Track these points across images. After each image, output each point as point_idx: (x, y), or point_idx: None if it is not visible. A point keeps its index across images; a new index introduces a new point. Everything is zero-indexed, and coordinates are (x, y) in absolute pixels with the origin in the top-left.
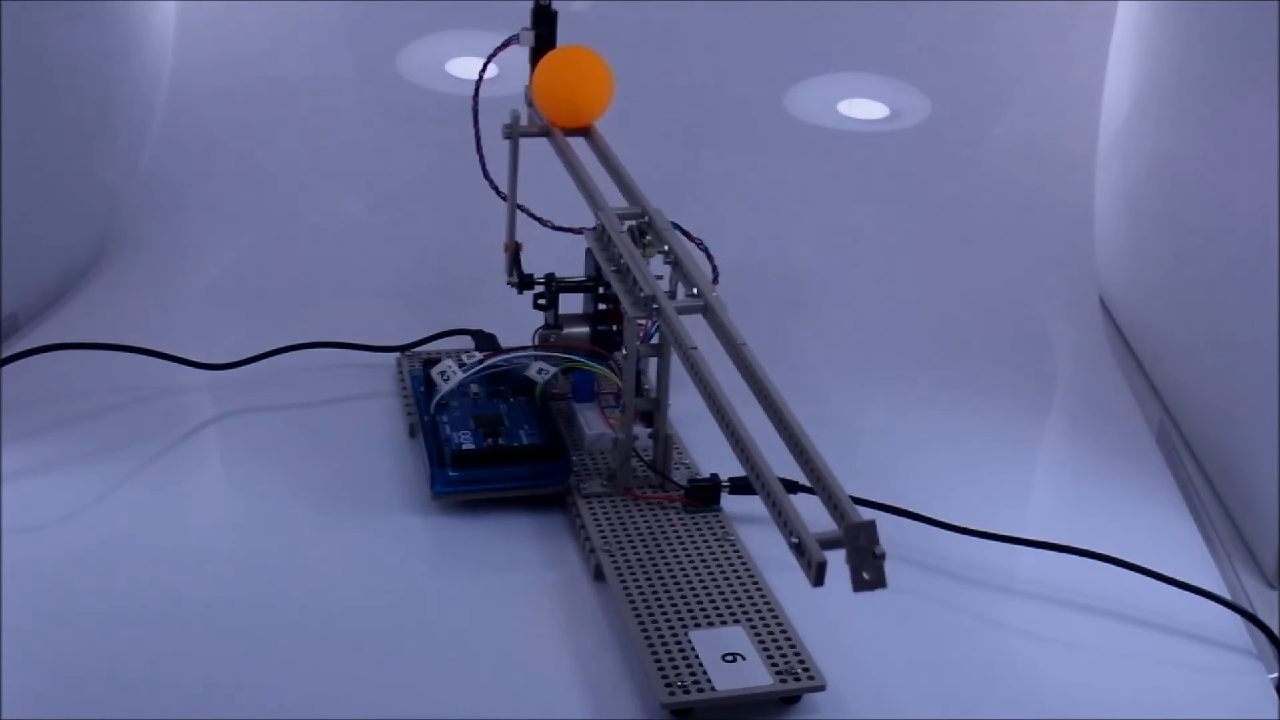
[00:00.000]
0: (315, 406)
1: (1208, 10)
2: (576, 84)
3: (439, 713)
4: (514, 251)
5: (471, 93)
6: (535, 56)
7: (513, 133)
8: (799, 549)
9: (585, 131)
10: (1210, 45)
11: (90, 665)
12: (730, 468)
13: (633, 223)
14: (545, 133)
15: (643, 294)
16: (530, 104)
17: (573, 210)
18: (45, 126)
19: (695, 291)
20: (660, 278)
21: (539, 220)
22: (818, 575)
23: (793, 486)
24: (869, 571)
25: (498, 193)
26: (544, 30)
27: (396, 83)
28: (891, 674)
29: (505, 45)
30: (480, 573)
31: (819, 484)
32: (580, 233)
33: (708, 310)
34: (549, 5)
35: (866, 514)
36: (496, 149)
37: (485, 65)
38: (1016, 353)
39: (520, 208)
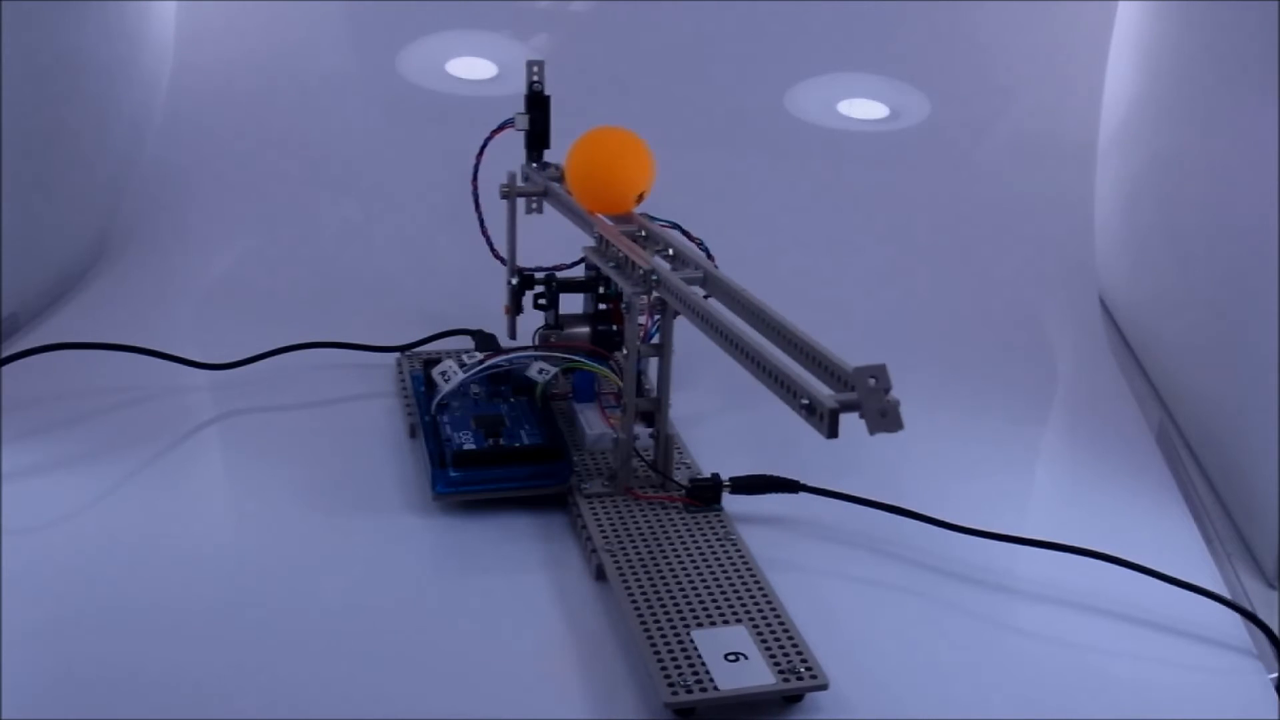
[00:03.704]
0: (315, 406)
1: (1208, 10)
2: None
3: (440, 713)
4: (514, 314)
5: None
6: (530, 140)
7: (510, 193)
8: (809, 409)
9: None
10: (1210, 45)
11: (90, 665)
12: (731, 468)
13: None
14: (543, 192)
15: (640, 271)
16: (526, 179)
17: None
18: (46, 127)
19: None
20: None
21: (548, 270)
22: (830, 426)
23: (795, 485)
24: (885, 412)
25: (499, 259)
26: (538, 114)
27: (397, 83)
28: (893, 673)
29: (500, 130)
30: (481, 573)
31: (811, 358)
32: (584, 260)
33: (708, 280)
34: (542, 90)
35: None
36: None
37: (482, 149)
38: (1016, 353)
39: (524, 270)
